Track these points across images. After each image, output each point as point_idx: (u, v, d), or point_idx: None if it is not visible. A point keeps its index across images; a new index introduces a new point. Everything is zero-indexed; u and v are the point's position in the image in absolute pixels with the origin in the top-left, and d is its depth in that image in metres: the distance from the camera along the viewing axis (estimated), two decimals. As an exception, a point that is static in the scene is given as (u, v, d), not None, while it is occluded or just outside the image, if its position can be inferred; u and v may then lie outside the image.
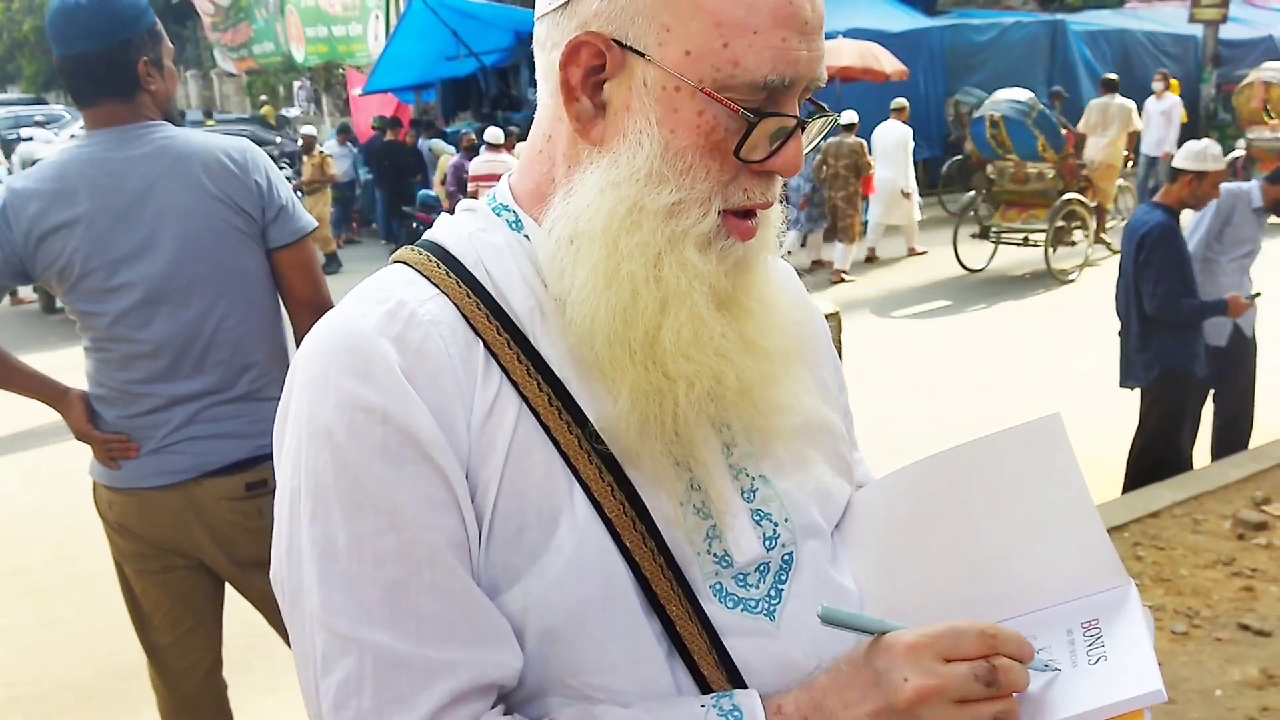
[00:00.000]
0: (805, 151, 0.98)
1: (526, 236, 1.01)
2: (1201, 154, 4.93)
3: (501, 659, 0.91)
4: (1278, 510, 4.86)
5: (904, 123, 12.55)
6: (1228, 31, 18.87)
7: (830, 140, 11.42)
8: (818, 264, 12.14)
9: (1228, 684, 3.59)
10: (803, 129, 0.96)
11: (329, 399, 0.91)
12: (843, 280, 11.38)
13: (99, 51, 2.43)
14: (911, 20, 17.57)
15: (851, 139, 11.57)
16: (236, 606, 2.77)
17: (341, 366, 0.92)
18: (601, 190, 0.94)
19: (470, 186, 11.08)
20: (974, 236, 11.86)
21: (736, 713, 0.92)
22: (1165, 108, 14.71)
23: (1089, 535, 1.03)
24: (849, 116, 11.52)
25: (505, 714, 0.93)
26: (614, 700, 0.93)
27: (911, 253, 12.72)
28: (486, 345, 0.96)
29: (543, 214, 1.00)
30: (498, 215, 1.04)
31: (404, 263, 1.03)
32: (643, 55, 0.92)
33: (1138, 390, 5.24)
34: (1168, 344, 5.00)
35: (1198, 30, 18.64)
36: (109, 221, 2.42)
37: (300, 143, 14.80)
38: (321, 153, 14.37)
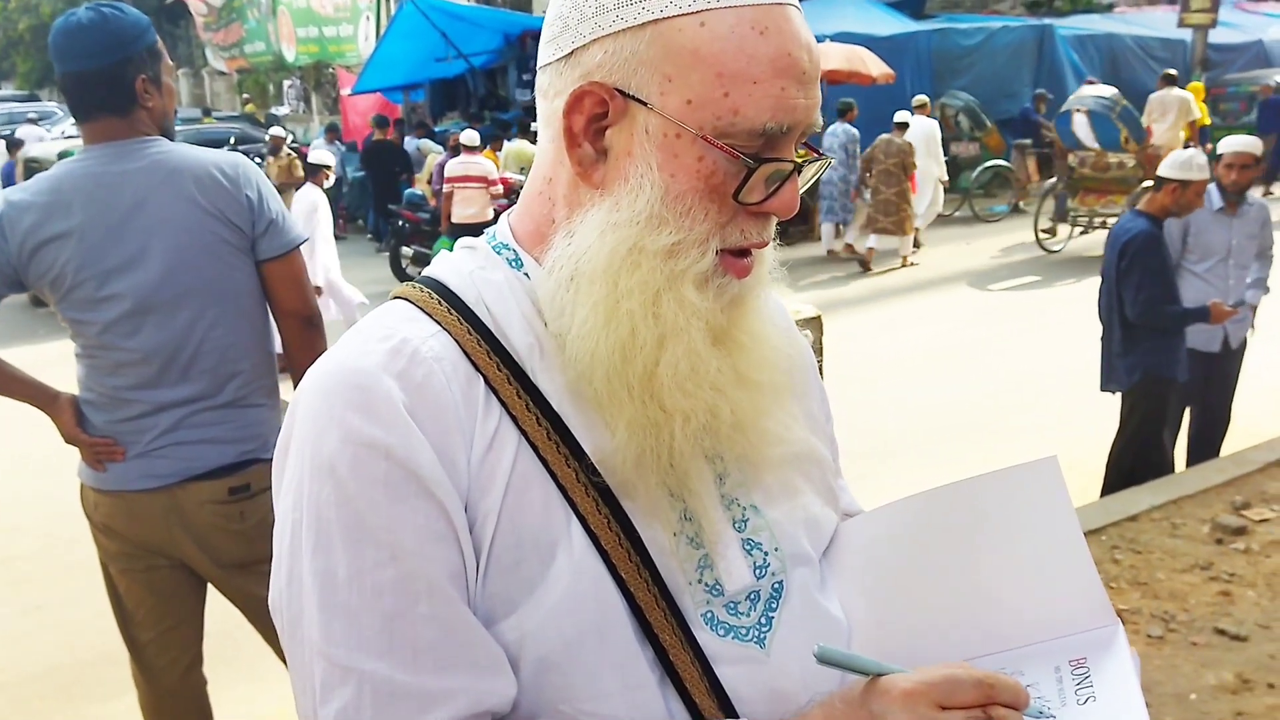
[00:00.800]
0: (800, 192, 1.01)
1: (526, 275, 1.04)
2: (1187, 163, 4.94)
3: (497, 687, 0.93)
4: (1257, 515, 4.87)
5: (927, 117, 13.31)
6: (1217, 36, 18.90)
7: (881, 138, 12.18)
8: (843, 251, 12.97)
9: (1203, 688, 3.60)
10: (799, 172, 0.99)
11: (333, 434, 0.93)
12: (908, 265, 12.18)
13: (97, 70, 2.50)
14: (899, 24, 17.62)
15: (901, 139, 12.10)
16: (217, 599, 2.82)
17: (346, 402, 0.93)
18: (603, 232, 0.97)
19: (445, 188, 11.04)
20: (1051, 220, 12.96)
21: None
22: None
23: (1079, 575, 1.05)
24: (902, 116, 12.37)
25: None
26: None
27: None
28: (487, 381, 0.98)
29: (543, 253, 1.02)
30: (498, 253, 1.07)
31: (405, 299, 1.05)
32: (645, 104, 0.95)
33: (1119, 394, 5.24)
34: (1149, 349, 5.00)
35: (1186, 35, 18.67)
36: (101, 234, 2.48)
37: (269, 142, 14.16)
38: (289, 155, 14.07)
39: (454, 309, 1.02)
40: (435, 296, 1.03)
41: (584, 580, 0.95)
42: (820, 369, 4.89)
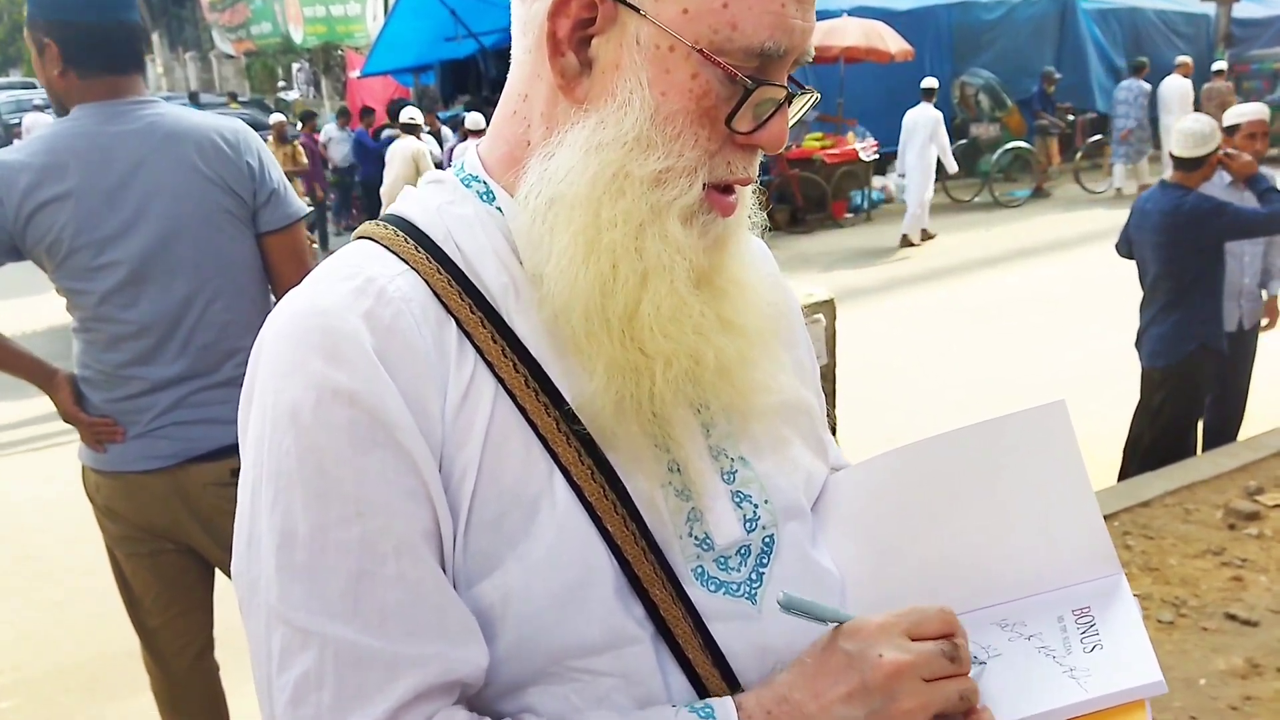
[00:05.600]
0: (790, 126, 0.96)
1: (499, 209, 0.97)
2: (1208, 136, 4.85)
3: (469, 655, 0.88)
4: (1270, 500, 4.83)
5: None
6: (1241, 10, 18.73)
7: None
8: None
9: (1212, 673, 3.58)
10: (789, 103, 0.94)
11: (295, 379, 0.87)
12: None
13: (112, 24, 2.45)
14: (918, -3, 17.42)
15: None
16: (228, 587, 2.79)
17: (307, 346, 0.87)
18: (586, 152, 0.90)
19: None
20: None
21: (707, 709, 0.90)
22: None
23: (1085, 523, 1.02)
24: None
25: (471, 710, 0.90)
26: (597, 684, 0.91)
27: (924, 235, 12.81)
28: (459, 324, 0.92)
29: (516, 180, 0.96)
30: (467, 186, 1.00)
31: (369, 238, 0.98)
32: (637, 10, 0.88)
33: (1147, 375, 5.18)
34: (1201, 320, 4.95)
35: (1210, 9, 18.50)
36: (98, 198, 2.41)
37: (272, 129, 13.85)
38: (295, 142, 13.91)
39: (422, 247, 0.95)
40: (401, 234, 0.97)
41: (569, 534, 0.90)
42: (833, 354, 4.89)
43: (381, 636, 0.85)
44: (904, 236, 12.56)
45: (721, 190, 0.94)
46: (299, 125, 15.38)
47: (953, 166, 13.06)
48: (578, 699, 0.91)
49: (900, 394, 6.88)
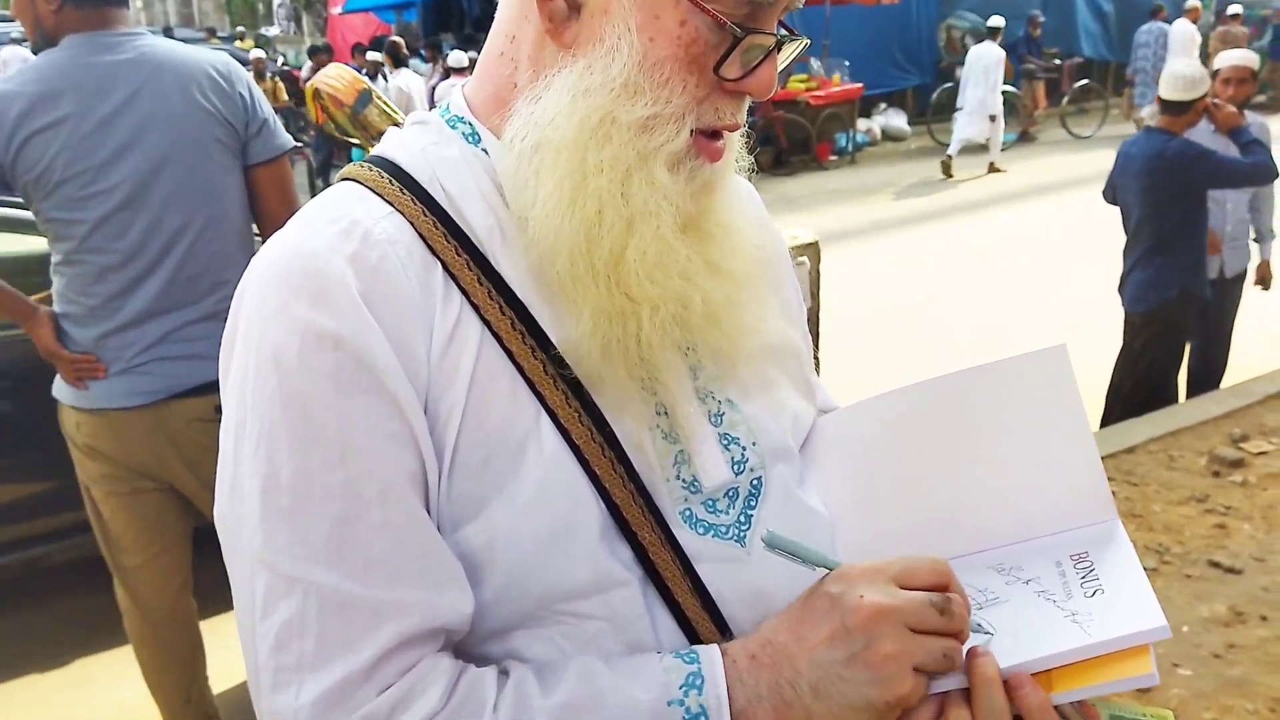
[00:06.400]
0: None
1: (484, 151, 0.96)
2: (1195, 82, 4.80)
3: (452, 602, 0.87)
4: (1254, 448, 4.83)
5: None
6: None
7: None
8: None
9: (1195, 620, 3.58)
10: (778, 50, 0.93)
11: (279, 324, 0.86)
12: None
13: None
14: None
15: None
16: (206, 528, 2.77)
17: (292, 289, 0.86)
18: (573, 97, 0.89)
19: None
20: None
21: (692, 654, 0.89)
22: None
23: (1084, 468, 1.01)
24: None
25: (456, 655, 0.90)
26: (584, 628, 0.90)
27: (991, 169, 13.00)
28: (445, 267, 0.91)
29: (502, 122, 0.94)
30: (453, 128, 0.99)
31: (353, 180, 0.97)
32: None
33: (1129, 320, 5.17)
34: (1183, 266, 4.92)
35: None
36: (92, 126, 2.41)
37: (251, 65, 13.53)
38: (274, 77, 13.72)
39: (407, 189, 0.94)
40: (386, 176, 0.95)
41: (557, 477, 0.89)
42: (817, 297, 4.85)
43: (365, 583, 0.84)
44: (944, 163, 12.97)
45: (709, 136, 0.93)
46: (309, 60, 14.94)
47: (997, 107, 13.26)
48: (564, 642, 0.90)
49: (885, 337, 6.85)
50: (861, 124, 14.95)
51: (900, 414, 1.05)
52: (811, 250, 4.94)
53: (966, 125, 13.06)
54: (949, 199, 11.56)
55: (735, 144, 1.00)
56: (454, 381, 0.89)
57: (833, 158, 14.14)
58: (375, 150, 1.00)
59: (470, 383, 0.89)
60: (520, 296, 0.92)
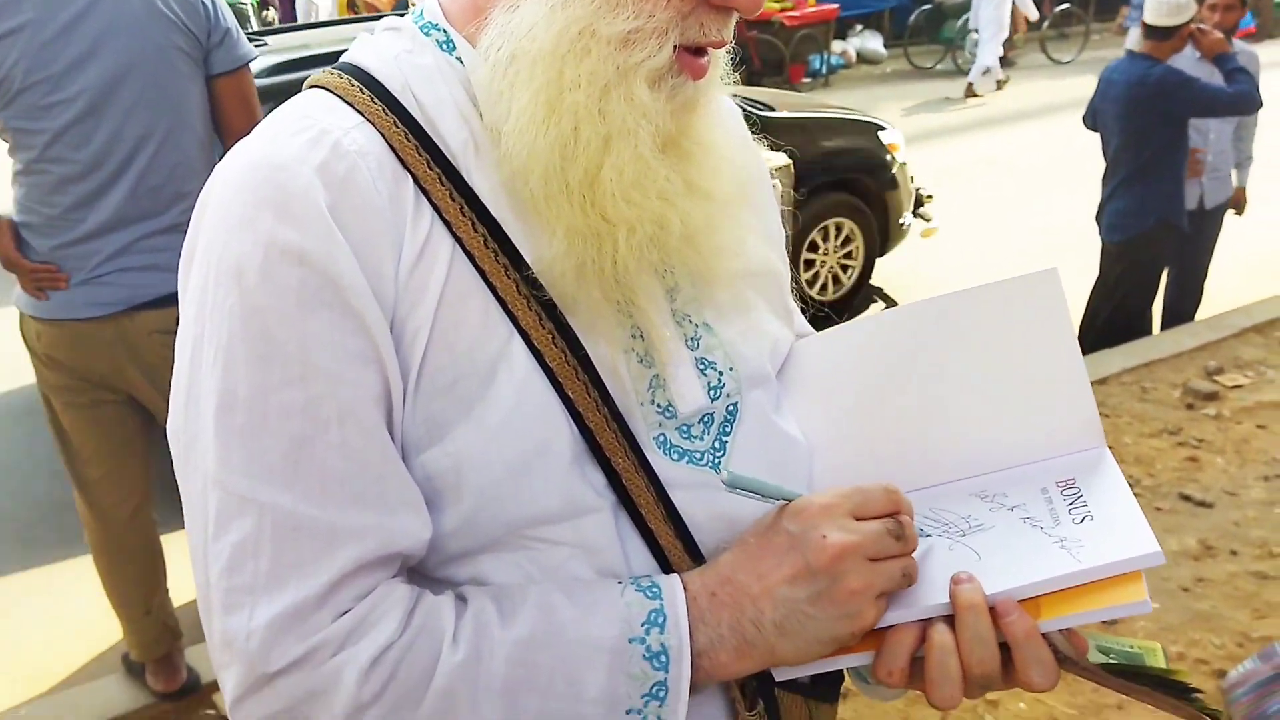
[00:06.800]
0: None
1: (459, 60, 0.93)
2: (1179, 7, 4.67)
3: (410, 528, 0.85)
4: (1229, 381, 4.79)
5: None
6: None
7: None
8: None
9: (1165, 553, 3.53)
10: None
11: (242, 236, 0.83)
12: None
13: None
14: None
15: None
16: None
17: (258, 200, 0.83)
18: (551, 8, 0.86)
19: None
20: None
21: (655, 588, 0.88)
22: None
23: (1072, 394, 0.99)
24: None
25: (413, 577, 0.89)
26: (553, 554, 0.89)
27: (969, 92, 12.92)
28: (416, 181, 0.88)
29: (478, 32, 0.91)
30: (426, 34, 0.95)
31: (322, 87, 0.93)
32: None
33: (1105, 249, 5.10)
34: (1162, 194, 4.87)
35: None
36: (53, 31, 2.38)
37: None
38: None
39: (378, 98, 0.90)
40: (356, 84, 0.91)
41: (528, 400, 0.87)
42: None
43: (321, 505, 0.82)
44: (969, 86, 12.87)
45: (693, 53, 0.90)
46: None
47: (1033, 14, 13.28)
48: (532, 567, 0.89)
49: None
50: (836, 46, 14.62)
51: (883, 338, 1.04)
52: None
53: (989, 50, 12.97)
54: (926, 123, 11.39)
55: (721, 60, 0.96)
56: (422, 300, 0.86)
57: (806, 80, 13.84)
58: (345, 56, 0.96)
59: (439, 301, 0.86)
60: (494, 213, 0.89)
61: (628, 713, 0.85)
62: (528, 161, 0.87)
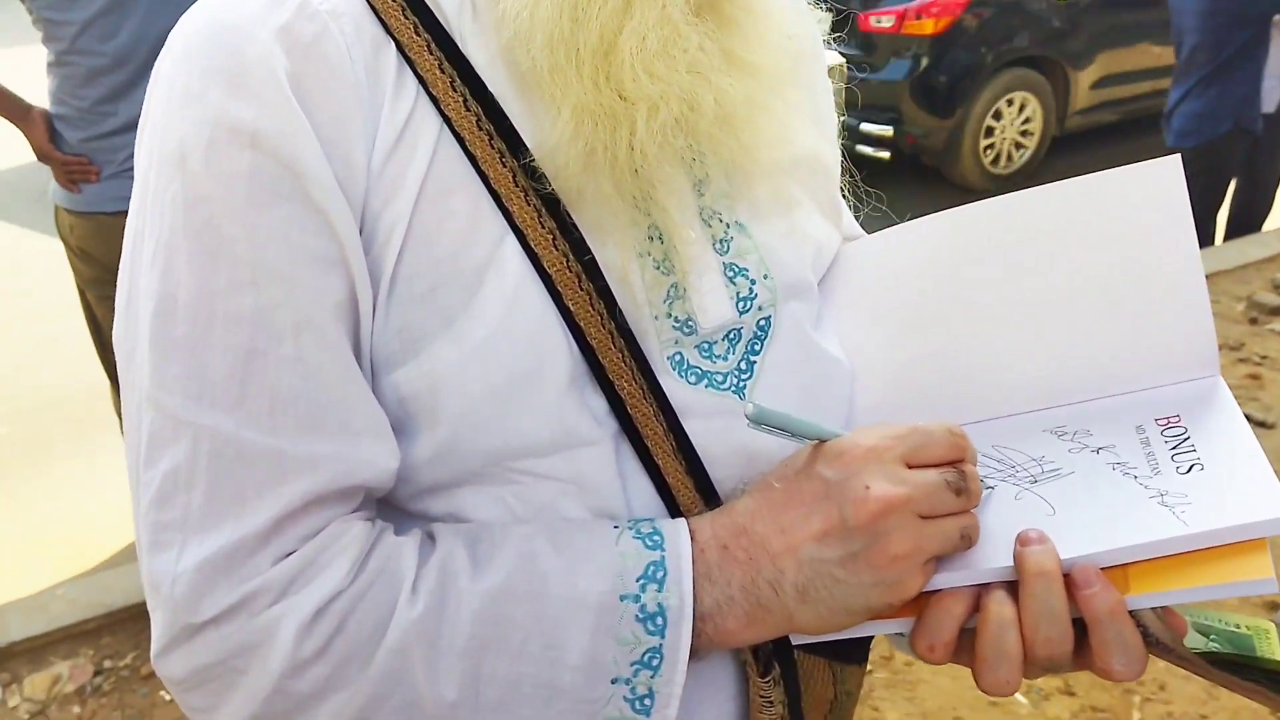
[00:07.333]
0: None
1: None
2: None
3: (375, 456, 0.74)
4: (1297, 294, 4.59)
5: None
6: None
7: None
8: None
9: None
10: None
11: (185, 113, 0.71)
12: None
13: None
14: None
15: None
16: None
17: (205, 70, 0.71)
18: None
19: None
20: None
21: (656, 536, 0.75)
22: None
23: (1186, 310, 0.81)
24: None
25: (383, 509, 0.79)
26: (541, 489, 0.77)
27: None
28: (400, 48, 0.75)
29: None
30: None
31: None
32: None
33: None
34: (1237, 98, 4.65)
35: None
36: None
37: None
38: None
39: None
40: None
41: (520, 311, 0.75)
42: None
43: (269, 430, 0.71)
44: None
45: None
46: None
47: None
48: (517, 503, 0.78)
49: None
50: None
51: (955, 238, 0.87)
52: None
53: None
54: None
55: None
56: (399, 191, 0.73)
57: None
58: None
59: (419, 193, 0.73)
60: (491, 89, 0.76)
61: (613, 682, 0.72)
62: (530, 25, 0.73)
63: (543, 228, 0.75)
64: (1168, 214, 0.81)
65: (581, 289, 0.76)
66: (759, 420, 0.73)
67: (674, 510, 0.79)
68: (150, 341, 0.72)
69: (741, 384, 0.83)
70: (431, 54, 0.75)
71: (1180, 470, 0.73)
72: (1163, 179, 0.81)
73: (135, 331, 0.73)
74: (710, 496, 0.80)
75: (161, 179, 0.72)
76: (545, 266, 0.75)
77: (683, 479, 0.79)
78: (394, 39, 0.75)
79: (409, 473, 0.77)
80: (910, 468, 0.73)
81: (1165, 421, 0.79)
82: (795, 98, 0.87)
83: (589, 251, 0.77)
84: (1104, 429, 0.80)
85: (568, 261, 0.76)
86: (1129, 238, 0.82)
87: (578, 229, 0.77)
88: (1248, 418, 2.90)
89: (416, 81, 0.75)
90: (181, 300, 0.71)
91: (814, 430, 0.75)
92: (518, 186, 0.75)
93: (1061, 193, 0.83)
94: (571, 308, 0.76)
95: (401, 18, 0.75)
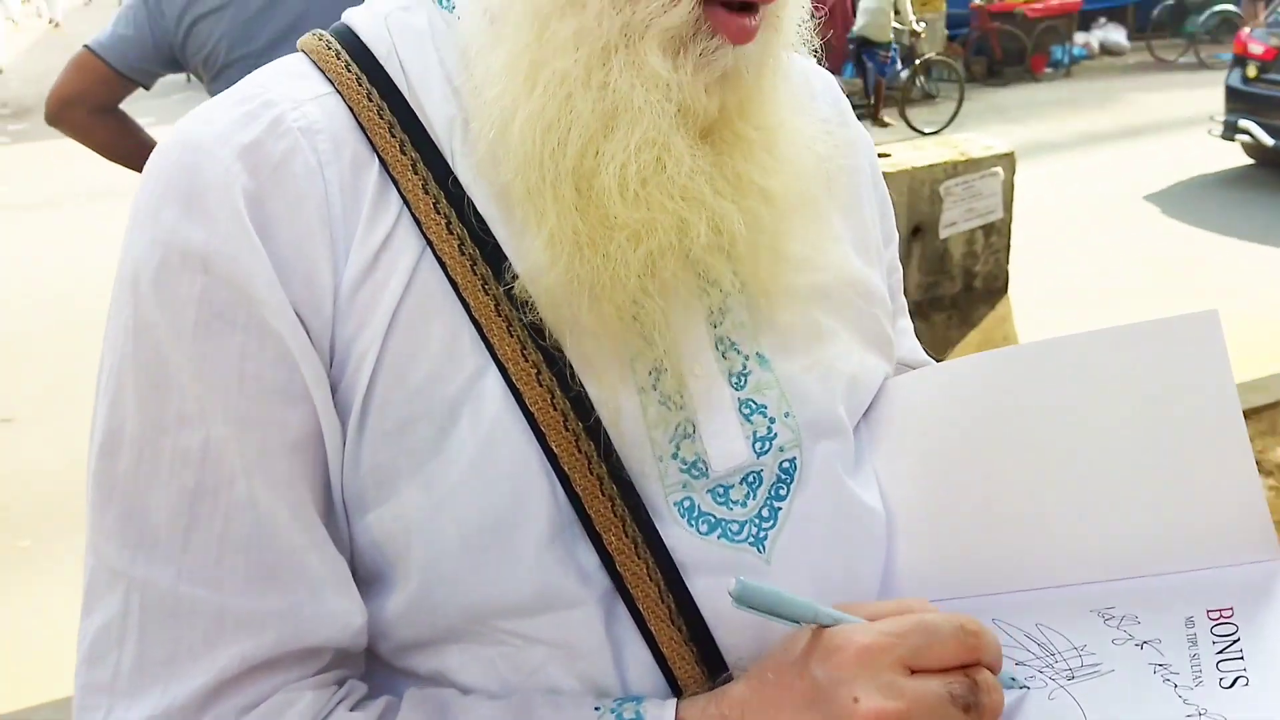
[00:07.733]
0: None
1: (459, 16, 0.77)
2: None
3: (333, 612, 0.71)
4: None
5: None
6: None
7: None
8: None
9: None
10: None
11: (142, 234, 0.70)
12: None
13: None
14: None
15: None
16: None
17: (163, 188, 0.70)
18: None
19: None
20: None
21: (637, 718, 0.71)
22: None
23: (1233, 481, 0.77)
24: None
25: (366, 671, 0.77)
26: (529, 654, 0.74)
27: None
28: (384, 166, 0.73)
29: None
30: None
31: (304, 50, 0.80)
32: None
33: None
34: None
35: None
36: (252, 11, 2.47)
37: None
38: None
39: (357, 64, 0.76)
40: (336, 47, 0.77)
41: (496, 453, 0.71)
42: (1010, 209, 5.09)
43: (213, 583, 0.68)
44: None
45: (735, 9, 0.71)
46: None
47: None
48: (505, 667, 0.74)
49: (1079, 251, 6.86)
50: (1079, 38, 14.91)
51: (998, 382, 0.84)
52: (1006, 161, 5.31)
53: None
54: (1163, 114, 11.50)
55: (790, 16, 0.77)
56: (371, 317, 0.70)
57: (1048, 70, 14.20)
58: (345, 14, 0.82)
59: (393, 319, 0.70)
60: (480, 208, 0.73)
61: None
62: (504, 140, 0.70)
63: (526, 360, 0.71)
64: (1208, 372, 0.77)
65: (567, 429, 0.71)
66: (743, 601, 0.66)
67: (673, 681, 0.74)
68: (94, 479, 0.69)
69: (762, 534, 0.77)
70: (415, 174, 0.72)
71: (1223, 684, 0.69)
72: (1198, 332, 0.77)
73: (89, 465, 0.70)
74: (716, 665, 0.74)
75: (117, 303, 0.70)
76: (527, 403, 0.70)
77: (681, 648, 0.73)
78: (379, 157, 0.72)
79: (386, 627, 0.73)
80: (913, 672, 0.67)
81: (1217, 615, 0.74)
82: (826, 220, 0.84)
83: (577, 387, 0.72)
84: (1153, 618, 0.75)
85: (553, 398, 0.71)
86: (1170, 396, 0.78)
87: (568, 362, 0.72)
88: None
89: (400, 201, 0.72)
90: (128, 434, 0.68)
91: (809, 613, 0.69)
92: (500, 316, 0.71)
93: (1102, 342, 0.81)
94: (556, 450, 0.71)
95: (388, 135, 0.73)
